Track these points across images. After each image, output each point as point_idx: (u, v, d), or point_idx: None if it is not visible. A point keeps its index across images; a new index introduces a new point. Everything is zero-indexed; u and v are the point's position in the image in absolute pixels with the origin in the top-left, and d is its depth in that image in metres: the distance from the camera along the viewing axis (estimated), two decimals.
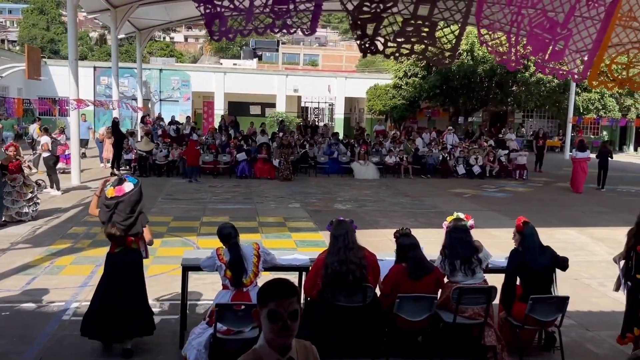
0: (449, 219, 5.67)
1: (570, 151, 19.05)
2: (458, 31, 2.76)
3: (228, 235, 5.09)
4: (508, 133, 25.08)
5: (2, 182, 10.20)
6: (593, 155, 17.78)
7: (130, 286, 5.23)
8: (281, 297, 2.25)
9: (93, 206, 5.39)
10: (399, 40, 2.42)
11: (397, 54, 2.53)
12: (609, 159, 17.33)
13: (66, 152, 17.28)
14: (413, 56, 2.60)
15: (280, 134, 20.12)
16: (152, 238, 5.66)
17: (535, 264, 5.36)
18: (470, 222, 5.67)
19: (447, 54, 2.50)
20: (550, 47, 3.00)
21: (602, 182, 17.49)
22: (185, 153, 17.06)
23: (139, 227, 5.29)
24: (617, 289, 5.72)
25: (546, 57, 3.12)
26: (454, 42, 2.55)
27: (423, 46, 2.46)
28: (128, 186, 5.22)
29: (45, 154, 13.92)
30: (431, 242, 6.09)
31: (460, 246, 5.34)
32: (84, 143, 19.55)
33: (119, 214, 5.13)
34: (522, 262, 5.38)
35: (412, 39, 2.40)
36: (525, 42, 3.09)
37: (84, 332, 5.26)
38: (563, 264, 5.52)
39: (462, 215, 5.68)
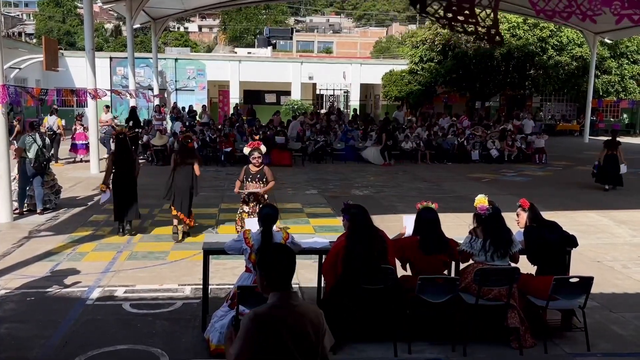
0: (481, 201, 5.44)
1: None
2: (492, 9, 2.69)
3: (267, 216, 5.04)
4: (514, 120, 23.96)
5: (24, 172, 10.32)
6: None
7: None
8: None
9: None
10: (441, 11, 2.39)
11: (443, 21, 2.49)
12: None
13: (82, 142, 17.50)
14: (469, 36, 2.61)
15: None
16: None
17: (550, 237, 5.44)
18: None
19: (493, 31, 2.47)
20: None
21: None
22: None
23: None
24: None
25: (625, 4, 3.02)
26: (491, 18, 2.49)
27: (472, 28, 2.43)
28: None
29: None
30: (449, 227, 6.03)
31: (503, 231, 5.33)
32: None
33: None
34: (540, 237, 5.43)
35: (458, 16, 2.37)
36: None
37: None
38: (572, 239, 5.59)
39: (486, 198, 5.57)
